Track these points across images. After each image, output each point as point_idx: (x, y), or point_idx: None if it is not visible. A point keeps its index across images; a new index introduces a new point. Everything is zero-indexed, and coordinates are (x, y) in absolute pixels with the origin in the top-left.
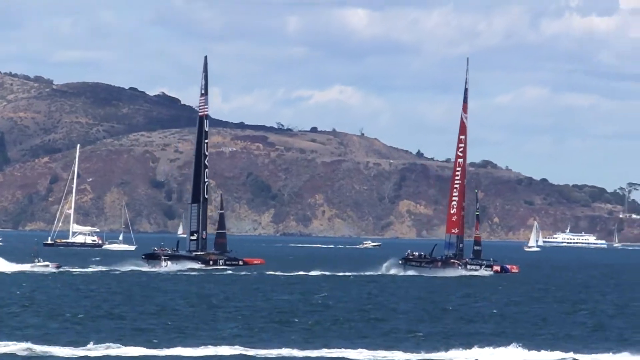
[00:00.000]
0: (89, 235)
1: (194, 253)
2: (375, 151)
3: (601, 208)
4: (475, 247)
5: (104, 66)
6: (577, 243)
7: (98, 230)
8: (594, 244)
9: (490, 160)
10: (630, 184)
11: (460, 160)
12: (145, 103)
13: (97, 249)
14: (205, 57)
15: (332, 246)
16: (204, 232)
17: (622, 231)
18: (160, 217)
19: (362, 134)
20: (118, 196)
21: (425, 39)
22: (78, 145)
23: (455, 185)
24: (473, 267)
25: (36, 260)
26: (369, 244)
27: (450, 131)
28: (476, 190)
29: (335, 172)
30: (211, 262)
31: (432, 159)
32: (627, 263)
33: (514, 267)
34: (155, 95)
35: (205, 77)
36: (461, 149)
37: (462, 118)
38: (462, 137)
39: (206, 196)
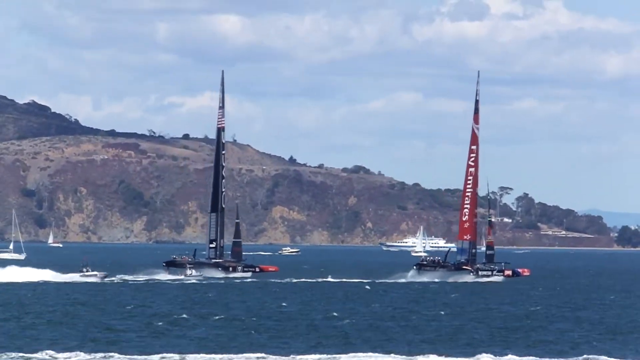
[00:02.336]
0: None
1: (213, 260)
2: (248, 157)
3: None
4: (488, 252)
5: None
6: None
7: None
8: (444, 247)
9: (363, 165)
10: (501, 188)
11: (472, 169)
12: (14, 111)
13: None
14: (222, 71)
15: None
16: (222, 240)
17: (495, 235)
18: (32, 225)
19: (235, 141)
20: None
21: (296, 45)
22: None
23: (467, 193)
24: (485, 272)
25: (84, 270)
26: (287, 250)
27: (322, 136)
28: (488, 198)
29: (208, 178)
30: (230, 269)
31: (304, 164)
32: None
33: (526, 270)
34: (25, 104)
35: (222, 91)
36: (472, 159)
37: (473, 129)
38: (474, 147)
39: (224, 206)
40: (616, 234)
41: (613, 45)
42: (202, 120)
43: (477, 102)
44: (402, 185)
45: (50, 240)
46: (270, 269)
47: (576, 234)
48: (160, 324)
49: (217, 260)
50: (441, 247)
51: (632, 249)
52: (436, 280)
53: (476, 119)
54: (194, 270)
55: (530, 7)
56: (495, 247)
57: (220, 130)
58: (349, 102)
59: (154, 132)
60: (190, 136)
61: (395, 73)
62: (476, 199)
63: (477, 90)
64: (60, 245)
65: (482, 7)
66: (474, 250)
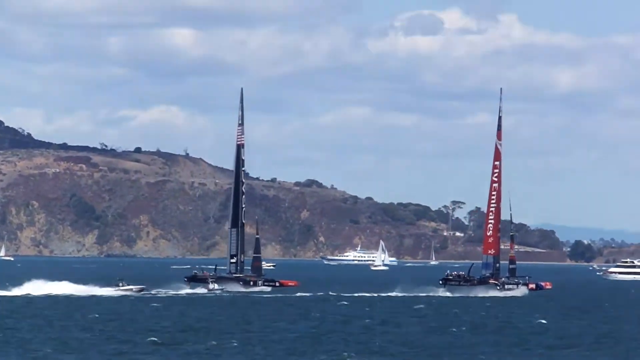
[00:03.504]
0: None
1: (234, 275)
2: (201, 171)
3: (426, 226)
4: (511, 266)
5: None
6: (367, 261)
7: None
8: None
9: (315, 179)
10: (454, 202)
11: (496, 185)
12: None
13: None
14: (242, 88)
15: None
16: (242, 255)
17: (447, 249)
18: None
19: (187, 154)
20: None
21: (249, 59)
22: None
23: (491, 209)
24: (510, 286)
25: (120, 284)
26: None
27: (275, 150)
28: (510, 212)
29: (160, 192)
30: (251, 283)
31: (257, 178)
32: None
33: (548, 284)
34: None
35: (242, 109)
36: (496, 174)
37: (496, 145)
38: (497, 162)
39: (244, 221)
40: (569, 249)
41: (565, 59)
42: (155, 133)
43: (499, 118)
44: (355, 199)
45: (2, 253)
46: (290, 284)
47: (529, 249)
48: None
49: (238, 275)
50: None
51: (585, 263)
52: (463, 295)
53: (499, 135)
54: (216, 285)
55: (485, 21)
56: (440, 261)
57: (240, 147)
58: (301, 116)
59: (106, 146)
60: (142, 149)
61: (348, 87)
62: (500, 214)
63: (500, 107)
64: (12, 259)
65: (436, 21)
66: (497, 265)
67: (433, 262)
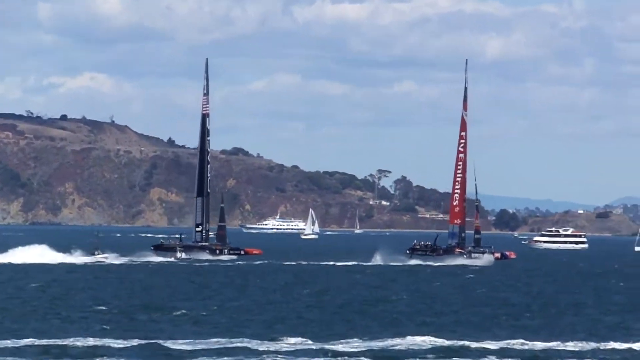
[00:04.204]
0: None
1: (200, 244)
2: (127, 139)
3: (351, 195)
4: (476, 236)
5: None
6: (286, 229)
7: None
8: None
9: (241, 147)
10: (380, 171)
11: (462, 155)
12: None
13: None
14: (207, 59)
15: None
16: (207, 224)
17: (373, 217)
18: None
19: (113, 122)
20: None
21: (177, 25)
22: None
23: (457, 179)
24: (477, 254)
25: (96, 252)
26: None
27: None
28: (475, 182)
29: (86, 160)
30: (217, 252)
31: (183, 146)
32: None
33: (512, 253)
34: None
35: (207, 78)
36: (462, 145)
37: (462, 115)
38: (463, 133)
39: (209, 190)
40: (494, 217)
41: (493, 27)
42: (82, 100)
43: (465, 89)
44: (281, 168)
45: None
46: (254, 252)
47: None
48: None
49: (204, 244)
50: (301, 229)
51: (510, 232)
52: (431, 263)
53: (465, 106)
54: (183, 253)
55: None
56: (365, 230)
57: (205, 117)
58: (229, 83)
59: (32, 113)
60: (69, 117)
61: (276, 54)
62: (465, 184)
63: (465, 78)
64: None
65: None
66: (463, 235)
67: (357, 231)
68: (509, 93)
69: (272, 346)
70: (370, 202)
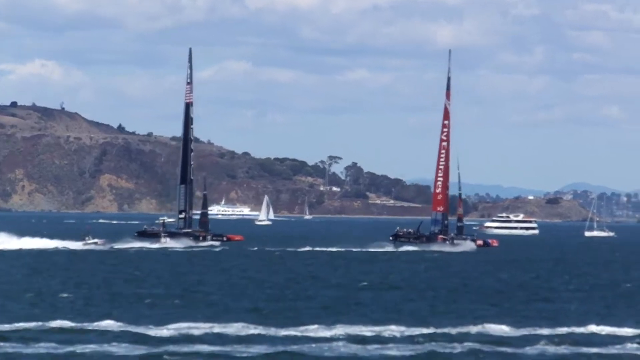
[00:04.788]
0: None
1: (183, 230)
2: (77, 126)
3: (302, 181)
4: (459, 224)
5: None
6: (231, 215)
7: None
8: (249, 215)
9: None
10: (330, 157)
11: (445, 143)
12: None
13: None
14: (190, 48)
15: (119, 222)
16: (191, 211)
17: (323, 204)
18: None
19: (63, 109)
20: None
21: (127, 13)
22: None
23: (440, 167)
24: (459, 241)
25: (87, 238)
26: (164, 219)
27: (152, 105)
28: (458, 171)
29: (36, 146)
30: (200, 238)
31: (133, 133)
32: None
33: (495, 241)
34: None
35: (190, 67)
36: (445, 133)
37: (445, 104)
38: (446, 122)
39: (192, 177)
40: None
41: (444, 16)
42: (32, 87)
43: (449, 78)
44: (232, 154)
45: None
46: (236, 238)
47: (404, 203)
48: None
49: (187, 230)
50: (246, 215)
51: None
52: (414, 249)
53: (448, 95)
54: (168, 239)
55: None
56: (315, 216)
57: (188, 105)
58: (179, 70)
59: None
60: (19, 104)
61: (226, 42)
62: (448, 172)
63: (448, 67)
64: None
65: None
66: (446, 222)
67: (307, 217)
68: (460, 80)
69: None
70: (321, 188)
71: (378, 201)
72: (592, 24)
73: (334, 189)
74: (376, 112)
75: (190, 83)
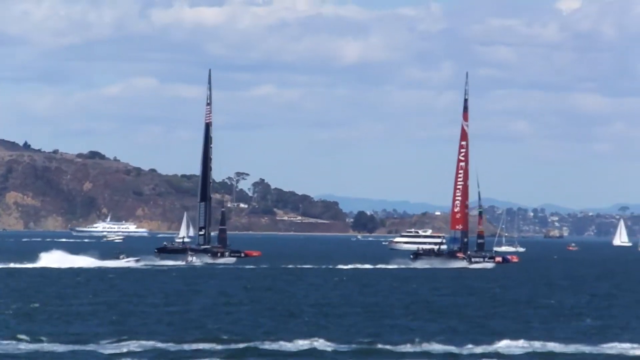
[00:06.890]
0: None
1: (202, 247)
2: None
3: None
4: (479, 241)
5: None
6: (117, 232)
7: None
8: (136, 232)
9: (98, 151)
10: (238, 174)
11: (462, 163)
12: None
13: None
14: (210, 70)
15: (65, 240)
16: (209, 228)
17: (230, 220)
18: None
19: None
20: None
21: (32, 30)
22: None
23: (459, 186)
24: (477, 259)
25: (121, 257)
26: (113, 237)
27: (57, 122)
28: (478, 190)
29: None
30: (218, 255)
31: (39, 150)
32: None
33: (514, 257)
34: None
35: (210, 89)
36: (463, 154)
37: (462, 126)
38: (464, 142)
39: (211, 195)
40: (352, 220)
41: (351, 31)
42: None
43: (465, 100)
44: (138, 171)
45: None
46: (254, 254)
47: (312, 220)
48: None
49: (206, 247)
50: (132, 232)
51: (368, 234)
52: (431, 266)
53: (465, 117)
54: (194, 257)
55: None
56: (236, 232)
57: (208, 125)
58: (85, 87)
59: None
60: None
61: (133, 58)
62: (467, 192)
63: (465, 89)
64: None
65: None
66: (465, 240)
67: (214, 234)
68: (367, 96)
69: None
70: (229, 205)
71: (286, 217)
72: (499, 39)
73: (242, 205)
74: (283, 128)
75: (209, 104)
